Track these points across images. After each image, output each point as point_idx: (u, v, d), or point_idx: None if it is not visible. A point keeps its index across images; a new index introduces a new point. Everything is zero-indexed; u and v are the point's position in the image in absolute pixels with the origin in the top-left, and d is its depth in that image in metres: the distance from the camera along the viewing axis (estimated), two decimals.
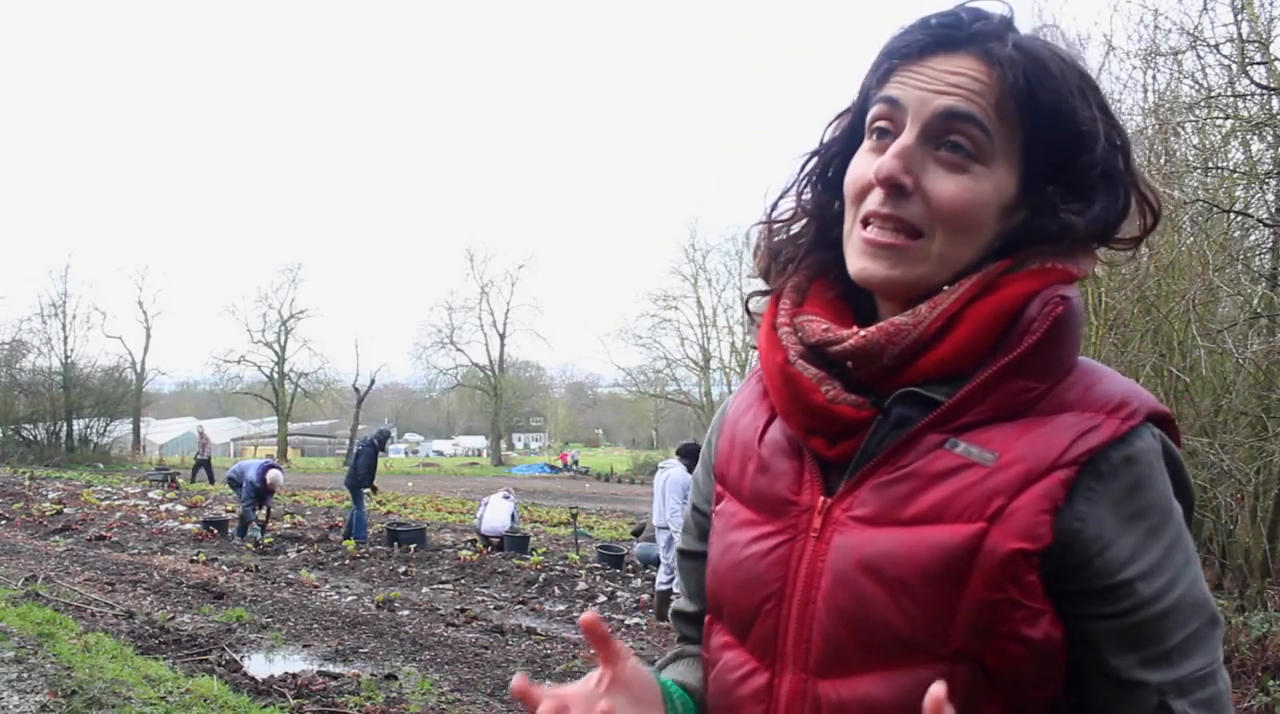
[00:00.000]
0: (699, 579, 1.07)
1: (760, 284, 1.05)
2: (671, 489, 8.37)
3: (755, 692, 0.93)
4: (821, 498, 0.91)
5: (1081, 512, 0.82)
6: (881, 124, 0.90)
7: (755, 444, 0.99)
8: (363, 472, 13.12)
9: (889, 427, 0.88)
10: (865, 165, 0.90)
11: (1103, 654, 0.83)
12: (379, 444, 13.89)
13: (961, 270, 0.89)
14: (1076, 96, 0.87)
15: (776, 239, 1.02)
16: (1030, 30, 0.91)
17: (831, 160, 0.98)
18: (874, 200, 0.89)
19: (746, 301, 1.06)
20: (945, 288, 0.89)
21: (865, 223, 0.90)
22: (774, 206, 1.03)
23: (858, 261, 0.90)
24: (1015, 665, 0.83)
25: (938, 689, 0.73)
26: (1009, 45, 0.87)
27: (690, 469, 8.29)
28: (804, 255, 1.00)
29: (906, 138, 0.88)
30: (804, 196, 1.01)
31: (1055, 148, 0.89)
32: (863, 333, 0.89)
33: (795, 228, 1.02)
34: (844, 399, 0.89)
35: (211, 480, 24.60)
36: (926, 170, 0.88)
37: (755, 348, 1.03)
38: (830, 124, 0.99)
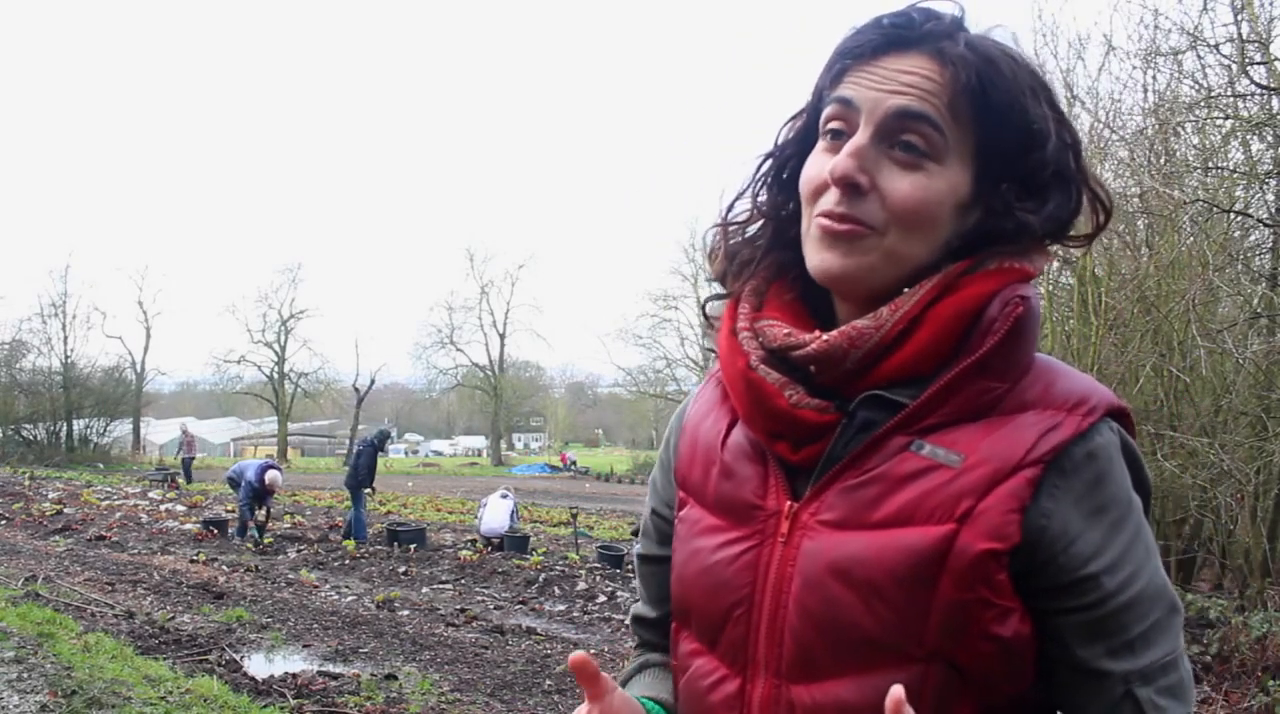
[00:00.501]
0: (659, 583, 1.07)
1: (716, 288, 1.05)
2: None
3: (726, 698, 0.93)
4: (788, 502, 0.91)
5: (1047, 508, 0.83)
6: (835, 125, 0.91)
7: (718, 449, 0.99)
8: (363, 472, 13.11)
9: (854, 430, 0.88)
10: (820, 165, 0.91)
11: (1070, 647, 0.85)
12: (379, 444, 13.89)
13: (920, 270, 0.90)
14: (1028, 95, 0.88)
15: (733, 242, 1.02)
16: (984, 30, 0.91)
17: (786, 162, 0.99)
18: (829, 200, 0.89)
19: (703, 306, 1.05)
20: (905, 290, 0.89)
21: (822, 219, 0.90)
22: (729, 209, 1.03)
23: (816, 255, 0.90)
24: (987, 663, 0.84)
25: (897, 690, 0.75)
26: (961, 44, 0.88)
27: None
28: (762, 256, 1.00)
29: (861, 137, 0.88)
30: (760, 198, 1.01)
31: (1008, 146, 0.89)
32: (825, 337, 0.89)
33: (751, 230, 1.02)
34: (807, 403, 0.89)
35: (189, 480, 24.63)
36: (881, 169, 0.88)
37: (713, 352, 1.03)
38: (784, 126, 1.00)
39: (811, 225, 0.91)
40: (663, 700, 1.03)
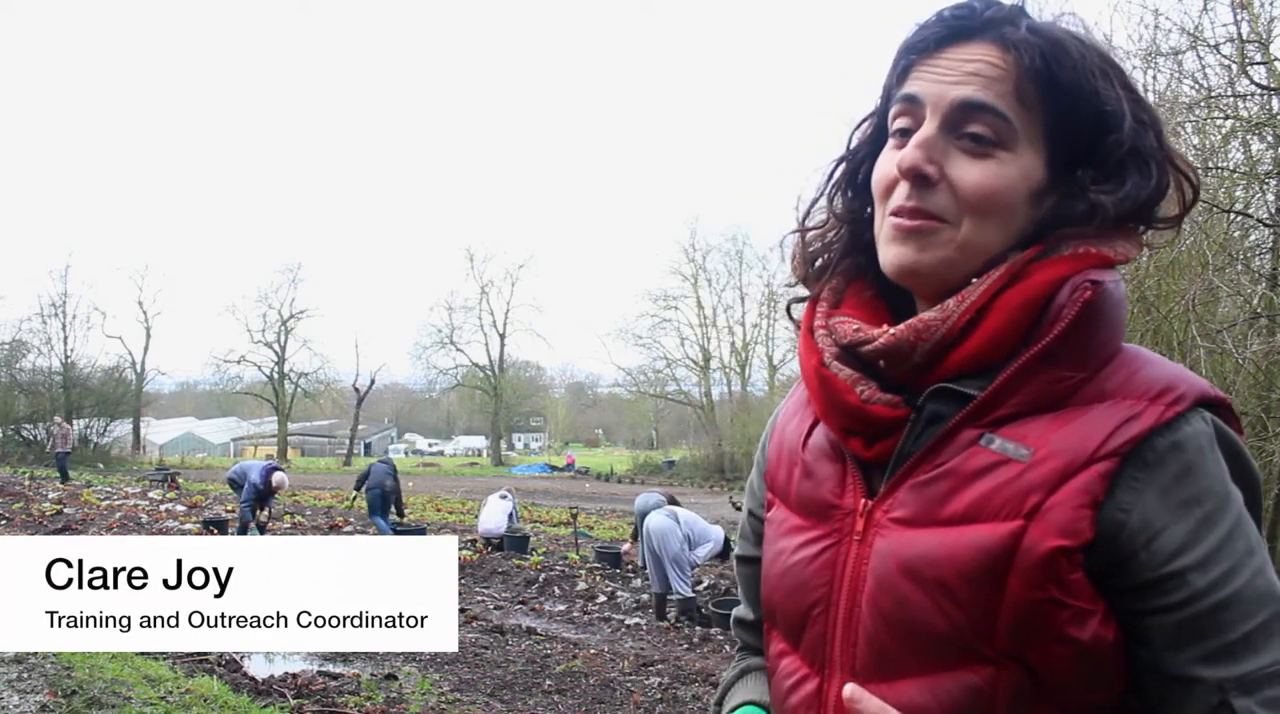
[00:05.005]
0: (756, 585, 1.07)
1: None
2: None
3: (806, 698, 0.93)
4: (863, 500, 0.90)
5: (1126, 502, 0.80)
6: (902, 123, 0.90)
7: (799, 449, 0.99)
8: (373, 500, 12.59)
9: (923, 424, 0.87)
10: (889, 162, 0.91)
11: (1158, 652, 0.81)
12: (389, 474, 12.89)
13: (992, 259, 0.88)
14: (1098, 76, 0.86)
15: (811, 247, 1.02)
16: (1053, 17, 0.90)
17: (859, 165, 0.98)
18: (900, 194, 0.89)
19: (789, 308, 1.06)
20: (974, 281, 0.88)
21: (894, 218, 0.90)
22: (806, 215, 1.03)
23: (888, 251, 0.90)
24: (1063, 667, 0.80)
25: (850, 688, 0.77)
26: (1023, 29, 0.87)
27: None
28: (839, 259, 1.00)
29: (927, 129, 0.87)
30: (835, 203, 1.01)
31: (1081, 128, 0.88)
32: (892, 331, 0.89)
33: (828, 235, 1.02)
34: (878, 398, 0.89)
35: (65, 478, 21.92)
36: (950, 159, 0.87)
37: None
38: (856, 129, 1.00)
39: (884, 224, 0.91)
40: (765, 704, 1.04)
